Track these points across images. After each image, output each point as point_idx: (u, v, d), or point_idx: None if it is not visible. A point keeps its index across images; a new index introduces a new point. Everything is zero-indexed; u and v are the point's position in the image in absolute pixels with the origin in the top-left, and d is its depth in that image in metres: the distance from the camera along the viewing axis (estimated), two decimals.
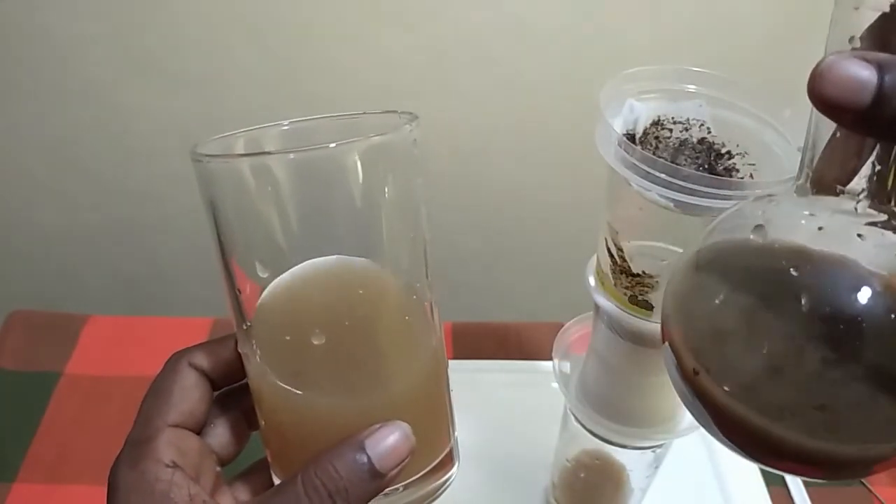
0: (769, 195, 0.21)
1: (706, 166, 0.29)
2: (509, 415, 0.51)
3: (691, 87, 0.30)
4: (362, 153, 0.22)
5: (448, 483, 0.26)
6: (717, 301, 0.20)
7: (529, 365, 0.56)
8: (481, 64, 0.58)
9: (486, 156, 0.64)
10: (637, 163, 0.26)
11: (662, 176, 0.26)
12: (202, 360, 0.26)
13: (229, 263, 0.23)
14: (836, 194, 0.18)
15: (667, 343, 0.21)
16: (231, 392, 0.27)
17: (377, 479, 0.22)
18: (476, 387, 0.53)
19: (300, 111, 0.61)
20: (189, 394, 0.25)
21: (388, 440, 0.22)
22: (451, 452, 0.27)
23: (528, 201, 0.67)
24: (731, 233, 0.21)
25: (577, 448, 0.41)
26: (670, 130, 0.30)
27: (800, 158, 0.20)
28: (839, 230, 0.18)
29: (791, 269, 0.18)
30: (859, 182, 0.18)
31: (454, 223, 0.69)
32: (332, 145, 0.21)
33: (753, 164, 0.29)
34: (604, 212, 0.31)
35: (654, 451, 0.38)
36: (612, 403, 0.35)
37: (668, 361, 0.21)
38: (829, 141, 0.18)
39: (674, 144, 0.30)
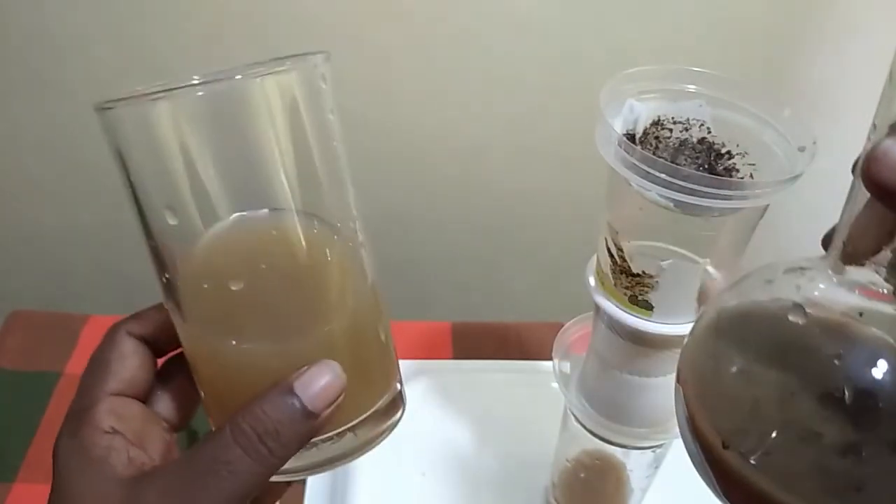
0: (801, 267, 0.20)
1: (706, 166, 0.29)
2: (509, 415, 0.51)
3: (691, 87, 0.30)
4: (268, 87, 0.21)
5: (391, 428, 0.26)
6: (753, 379, 0.20)
7: (529, 365, 0.56)
8: (481, 64, 0.58)
9: (486, 156, 0.64)
10: (637, 163, 0.26)
11: (662, 176, 0.26)
12: (139, 327, 0.25)
13: (144, 215, 0.22)
14: (863, 265, 0.19)
15: (685, 409, 0.21)
16: (176, 358, 0.27)
17: (310, 419, 0.22)
18: (476, 387, 0.53)
19: None
20: (128, 362, 0.25)
21: (317, 380, 0.22)
22: (394, 400, 0.26)
23: (528, 201, 0.67)
24: (762, 305, 0.21)
25: (577, 448, 0.41)
26: (670, 130, 0.30)
27: (835, 234, 0.19)
28: (879, 317, 0.18)
29: (834, 358, 0.18)
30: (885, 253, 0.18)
31: (454, 223, 0.69)
32: (238, 77, 0.20)
33: (753, 164, 0.29)
34: (604, 212, 0.31)
35: (654, 451, 0.38)
36: (612, 403, 0.35)
37: (685, 428, 0.21)
38: (861, 213, 0.18)
39: (674, 144, 0.30)
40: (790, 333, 0.19)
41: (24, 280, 0.73)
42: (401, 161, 0.64)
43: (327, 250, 0.24)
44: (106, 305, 0.70)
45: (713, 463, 0.20)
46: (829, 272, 0.19)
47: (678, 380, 0.22)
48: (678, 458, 0.39)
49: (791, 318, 0.19)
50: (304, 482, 0.47)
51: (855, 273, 0.19)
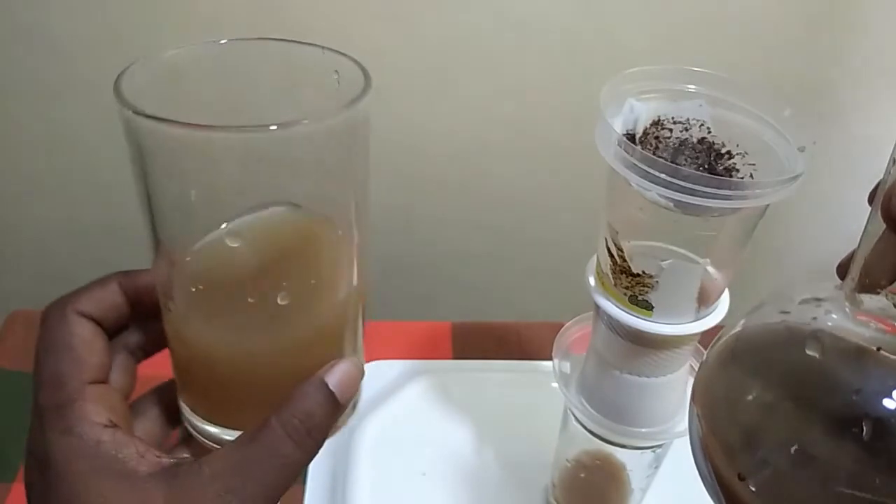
0: (817, 298, 0.20)
1: (706, 166, 0.29)
2: (509, 414, 0.51)
3: (691, 87, 0.30)
4: (307, 137, 0.22)
5: (355, 405, 0.27)
6: (771, 411, 0.19)
7: (529, 365, 0.56)
8: (481, 64, 0.58)
9: (487, 156, 0.64)
10: (637, 163, 0.26)
11: (662, 176, 0.26)
12: (90, 306, 0.24)
13: (154, 214, 0.23)
14: (878, 293, 0.19)
15: (699, 432, 0.21)
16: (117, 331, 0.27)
17: (339, 409, 0.24)
18: (476, 386, 0.53)
19: (297, 112, 0.61)
20: (94, 346, 0.24)
21: (346, 374, 0.24)
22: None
23: (528, 201, 0.67)
24: (779, 336, 0.21)
25: (576, 448, 0.41)
26: (670, 130, 0.30)
27: (851, 264, 0.19)
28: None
29: (853, 392, 0.18)
30: None
31: (454, 223, 0.69)
32: (274, 128, 0.20)
33: (753, 164, 0.29)
34: (604, 212, 0.31)
35: (653, 451, 0.38)
36: (611, 403, 0.35)
37: (697, 450, 0.21)
38: (878, 243, 0.18)
39: (674, 144, 0.30)
40: (808, 366, 0.19)
41: (25, 280, 0.73)
42: (400, 161, 0.64)
43: (330, 249, 0.25)
44: None
45: (727, 492, 0.19)
46: (846, 304, 0.19)
47: (693, 399, 0.22)
48: (678, 458, 0.39)
49: (809, 350, 0.19)
50: (304, 481, 0.47)
51: (870, 303, 0.19)
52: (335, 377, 0.24)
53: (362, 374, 0.25)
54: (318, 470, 0.48)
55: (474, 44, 0.57)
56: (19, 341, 0.57)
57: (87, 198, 0.67)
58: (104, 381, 0.24)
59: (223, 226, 0.23)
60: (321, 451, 0.50)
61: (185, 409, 0.27)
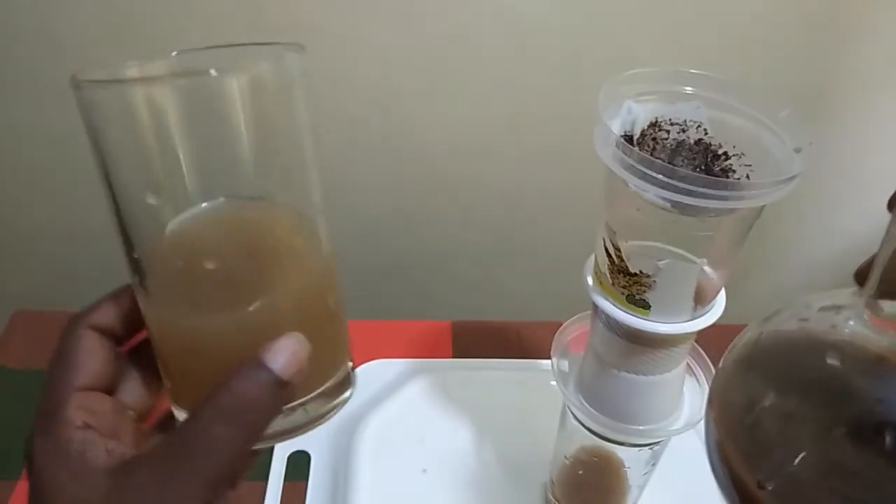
0: (836, 305, 0.20)
1: (703, 167, 0.30)
2: (508, 412, 0.52)
3: (689, 89, 0.31)
4: (239, 80, 0.22)
5: (340, 406, 0.27)
6: (792, 419, 0.19)
7: (528, 363, 0.56)
8: (480, 65, 0.58)
9: (486, 156, 0.64)
10: (635, 164, 0.27)
11: (660, 177, 0.26)
12: (101, 318, 0.26)
13: (115, 194, 0.23)
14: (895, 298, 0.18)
15: (716, 438, 0.21)
16: (139, 345, 0.27)
17: (283, 387, 0.23)
18: (476, 385, 0.54)
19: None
20: (94, 355, 0.25)
21: (285, 349, 0.23)
22: (346, 378, 0.27)
23: (527, 201, 0.67)
24: (798, 343, 0.20)
25: (575, 445, 0.41)
26: (667, 132, 0.30)
27: (871, 271, 0.19)
28: None
29: (875, 400, 0.18)
30: None
31: (454, 222, 0.69)
32: (213, 72, 0.21)
33: (750, 166, 0.30)
34: (602, 212, 0.31)
35: (651, 449, 0.38)
36: (609, 401, 0.35)
37: (714, 456, 0.21)
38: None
39: (671, 146, 0.30)
40: (829, 374, 0.19)
41: (28, 280, 0.74)
42: (401, 161, 0.65)
43: (286, 232, 0.25)
44: None
45: (746, 499, 0.19)
46: (865, 311, 0.19)
47: (709, 405, 0.21)
48: (676, 455, 0.39)
49: (829, 358, 0.19)
50: (306, 478, 0.48)
51: (890, 309, 0.18)
52: (273, 351, 0.23)
53: (306, 346, 0.24)
54: (319, 467, 0.49)
55: (474, 45, 0.57)
56: (22, 341, 0.57)
57: (90, 198, 0.67)
58: (101, 388, 0.25)
59: (187, 212, 0.23)
60: (322, 449, 0.51)
61: (169, 397, 0.27)
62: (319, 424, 0.26)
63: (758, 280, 0.72)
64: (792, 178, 0.26)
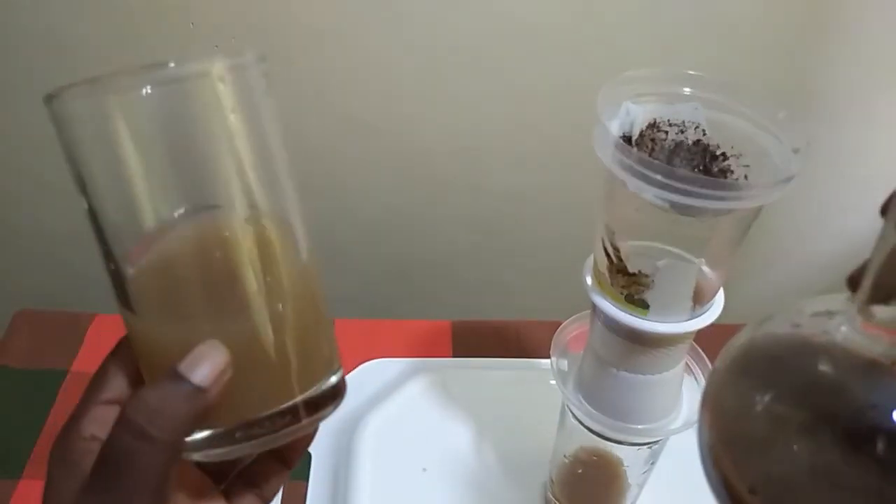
0: (828, 311, 0.20)
1: (701, 168, 0.30)
2: (508, 411, 0.52)
3: (687, 90, 0.31)
4: (209, 80, 0.22)
5: (327, 414, 0.26)
6: (783, 425, 0.19)
7: (528, 363, 0.56)
8: (480, 66, 0.58)
9: (486, 157, 0.64)
10: (633, 164, 0.27)
11: (658, 177, 0.26)
12: None
13: (92, 204, 0.24)
14: (890, 304, 0.18)
15: (708, 442, 0.21)
16: None
17: (199, 393, 0.22)
18: (476, 384, 0.54)
19: (297, 113, 0.61)
20: (125, 371, 0.25)
21: (200, 356, 0.23)
22: (335, 386, 0.27)
23: (527, 202, 0.68)
24: (790, 348, 0.20)
25: (574, 444, 0.41)
26: (666, 133, 0.30)
27: (863, 277, 0.19)
28: None
29: (867, 407, 0.18)
30: None
31: (454, 223, 0.69)
32: (169, 68, 0.22)
33: (748, 166, 0.30)
34: (600, 212, 0.31)
35: (650, 448, 0.38)
36: (608, 400, 0.36)
37: (707, 458, 0.21)
38: (889, 256, 0.18)
39: (669, 146, 0.30)
40: (821, 380, 0.19)
41: (30, 279, 0.74)
42: (401, 161, 0.65)
43: (256, 237, 0.25)
44: (111, 304, 0.71)
45: (737, 503, 0.20)
46: (858, 316, 0.19)
47: (702, 408, 0.21)
48: (674, 454, 0.39)
49: (821, 364, 0.19)
50: (306, 477, 0.48)
51: (883, 315, 0.18)
52: (187, 360, 0.23)
53: (224, 354, 0.23)
54: (319, 466, 0.49)
55: (474, 46, 0.57)
56: (24, 341, 0.57)
57: None
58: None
59: (164, 223, 0.24)
60: (323, 448, 0.51)
61: None
62: (306, 431, 0.26)
63: (756, 280, 0.72)
64: (790, 178, 0.26)
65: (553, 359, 0.38)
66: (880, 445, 0.17)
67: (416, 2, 0.55)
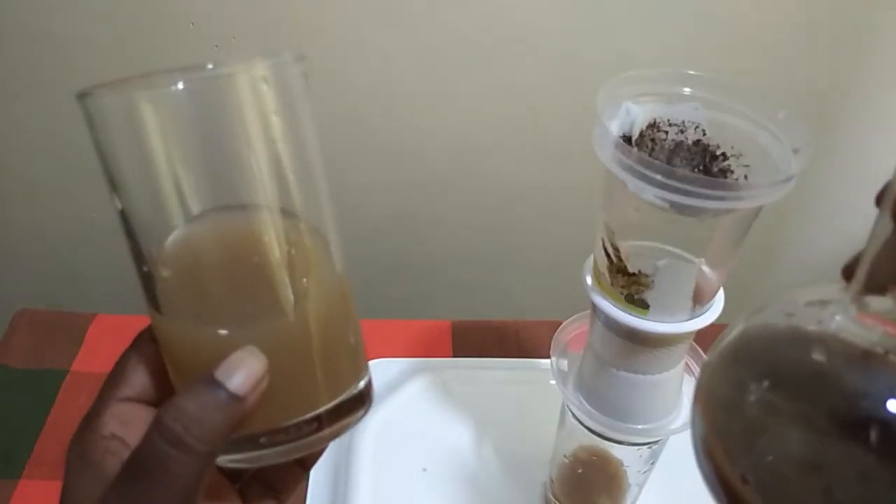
0: (822, 300, 0.20)
1: (701, 168, 0.30)
2: (508, 411, 0.52)
3: (687, 90, 0.31)
4: (241, 83, 0.22)
5: (354, 423, 0.26)
6: (777, 415, 0.19)
7: (528, 362, 0.56)
8: (480, 66, 0.59)
9: (486, 156, 0.64)
10: (633, 164, 0.27)
11: (658, 177, 0.26)
12: None
13: (122, 209, 0.23)
14: (885, 294, 0.18)
15: (701, 433, 0.21)
16: None
17: (236, 401, 0.22)
18: (475, 384, 0.54)
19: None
20: (144, 367, 0.25)
21: (238, 364, 0.22)
22: (360, 394, 0.26)
23: (527, 202, 0.68)
24: (784, 338, 0.20)
25: (574, 444, 0.41)
26: (666, 133, 0.30)
27: (858, 267, 0.19)
28: None
29: (861, 396, 0.18)
30: None
31: (454, 223, 0.69)
32: (214, 72, 0.21)
33: (748, 166, 0.30)
34: (600, 212, 0.31)
35: (650, 448, 0.38)
36: (608, 400, 0.36)
37: (700, 450, 0.21)
38: (884, 246, 0.18)
39: (669, 146, 0.30)
40: (814, 369, 0.19)
41: (30, 279, 0.74)
42: (402, 161, 0.65)
43: (294, 242, 0.24)
44: (111, 304, 0.71)
45: (730, 494, 0.19)
46: (852, 306, 0.19)
47: (695, 400, 0.21)
48: (674, 453, 0.39)
49: (814, 353, 0.19)
50: (306, 477, 0.48)
51: (877, 305, 0.18)
52: (224, 367, 0.22)
53: (262, 362, 0.22)
54: (320, 465, 0.49)
55: (474, 47, 0.57)
56: (25, 340, 0.57)
57: (92, 198, 0.67)
58: (146, 399, 0.25)
59: (196, 224, 0.23)
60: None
61: None
62: (329, 441, 0.25)
63: (757, 280, 0.72)
64: (790, 178, 0.26)
65: (553, 359, 0.38)
66: (873, 434, 0.17)
67: (416, 2, 0.55)
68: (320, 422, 0.25)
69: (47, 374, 0.55)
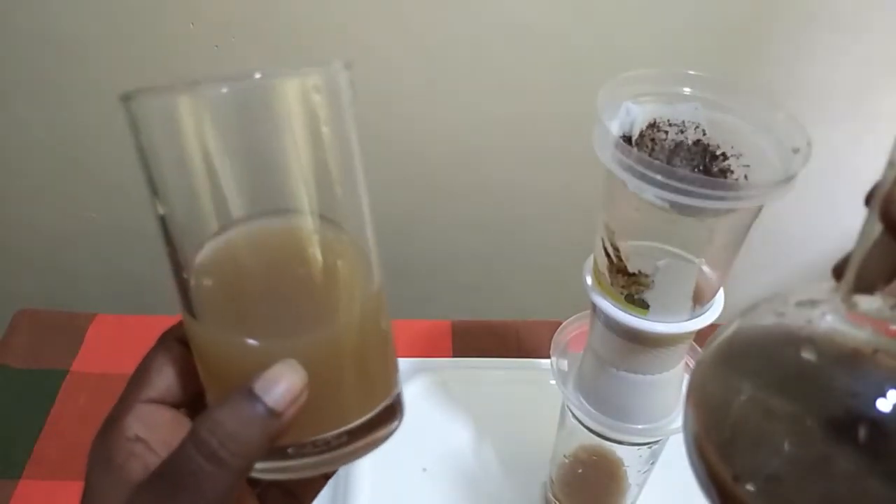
0: (812, 300, 0.20)
1: (701, 168, 0.30)
2: (508, 411, 0.52)
3: (687, 90, 0.31)
4: (290, 89, 0.22)
5: (388, 435, 0.26)
6: (767, 413, 0.19)
7: (528, 362, 0.56)
8: (480, 67, 0.59)
9: (486, 158, 0.64)
10: (633, 164, 0.27)
11: (658, 177, 0.26)
12: (182, 330, 0.25)
13: (162, 209, 0.23)
14: (874, 293, 0.19)
15: (693, 432, 0.21)
16: None
17: (274, 418, 0.21)
18: (476, 384, 0.54)
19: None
20: (168, 369, 0.24)
21: (278, 379, 0.22)
22: (393, 406, 0.26)
23: (527, 202, 0.68)
24: (774, 337, 0.20)
25: (574, 444, 0.41)
26: (666, 133, 0.31)
27: (847, 267, 0.19)
28: (893, 353, 0.18)
29: (850, 395, 0.18)
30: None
31: (455, 223, 0.69)
32: (263, 77, 0.21)
33: (748, 166, 0.30)
34: (601, 212, 0.32)
35: (650, 448, 0.38)
36: (608, 400, 0.36)
37: (692, 450, 0.21)
38: (873, 246, 0.18)
39: (669, 146, 0.30)
40: (804, 368, 0.19)
41: (30, 279, 0.74)
42: (402, 162, 0.65)
43: (336, 254, 0.24)
44: (111, 304, 0.71)
45: (722, 493, 0.20)
46: (842, 306, 0.19)
47: (687, 399, 0.22)
48: (674, 453, 0.39)
49: (804, 352, 0.19)
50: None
51: (866, 305, 0.19)
52: (263, 380, 0.21)
53: (303, 378, 0.22)
54: None
55: (474, 47, 0.57)
56: (25, 340, 0.57)
57: (93, 198, 0.67)
58: (170, 401, 0.25)
59: (236, 230, 0.23)
60: None
61: None
62: (364, 454, 0.25)
63: (756, 280, 0.72)
64: (790, 178, 0.27)
65: (553, 359, 0.38)
66: (862, 433, 0.17)
67: (416, 2, 0.55)
68: (351, 435, 0.24)
69: (47, 374, 0.55)
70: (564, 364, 0.39)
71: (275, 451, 0.23)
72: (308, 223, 0.23)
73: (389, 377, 0.26)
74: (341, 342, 0.24)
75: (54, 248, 0.71)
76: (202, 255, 0.23)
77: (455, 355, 0.58)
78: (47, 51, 0.58)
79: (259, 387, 0.21)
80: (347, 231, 0.24)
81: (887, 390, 0.18)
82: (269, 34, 0.57)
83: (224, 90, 0.21)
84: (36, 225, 0.70)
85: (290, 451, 0.23)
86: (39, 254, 0.72)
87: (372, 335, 0.25)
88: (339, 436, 0.24)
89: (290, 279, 0.23)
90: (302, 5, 0.55)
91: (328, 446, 0.24)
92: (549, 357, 0.38)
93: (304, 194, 0.23)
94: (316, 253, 0.23)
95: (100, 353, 0.57)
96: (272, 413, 0.21)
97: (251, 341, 0.23)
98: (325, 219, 0.23)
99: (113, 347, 0.57)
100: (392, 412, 0.26)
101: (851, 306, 0.19)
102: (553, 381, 0.38)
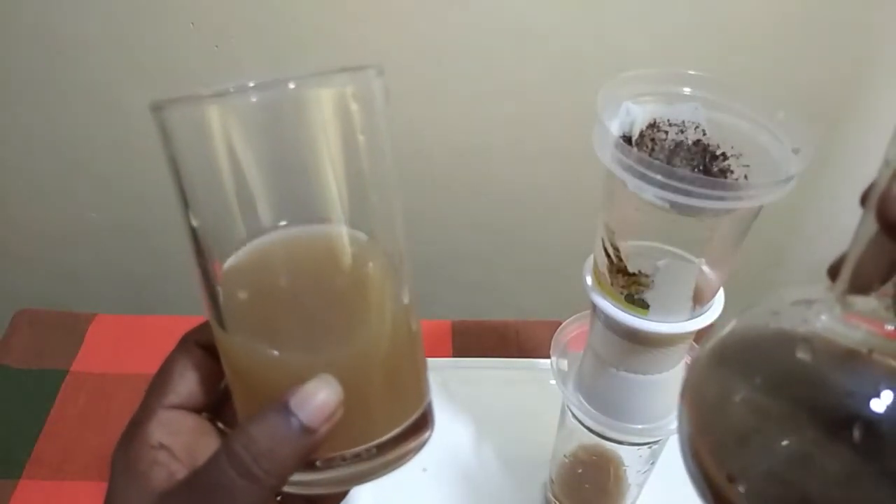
0: (807, 300, 0.20)
1: (701, 168, 0.30)
2: (508, 411, 0.52)
3: (687, 90, 0.31)
4: (324, 97, 0.21)
5: (418, 448, 0.25)
6: (762, 413, 0.19)
7: (528, 362, 0.56)
8: (481, 66, 0.59)
9: (486, 156, 0.64)
10: (633, 164, 0.27)
11: (658, 177, 0.26)
12: (209, 334, 0.25)
13: (193, 224, 0.22)
14: (870, 294, 0.18)
15: (688, 432, 0.21)
16: None
17: (308, 435, 0.21)
18: (476, 384, 0.54)
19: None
20: (190, 374, 0.24)
21: (314, 395, 0.21)
22: (423, 418, 0.26)
23: (527, 202, 0.68)
24: (769, 337, 0.20)
25: (574, 444, 0.41)
26: (666, 133, 0.30)
27: (843, 267, 0.19)
28: (888, 353, 0.18)
29: (845, 395, 0.18)
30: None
31: (454, 223, 0.69)
32: (295, 86, 0.20)
33: (748, 166, 0.30)
34: (601, 212, 0.32)
35: (650, 447, 0.38)
36: (608, 400, 0.36)
37: (686, 449, 0.21)
38: (869, 246, 0.18)
39: (669, 146, 0.30)
40: (798, 368, 0.19)
41: (30, 279, 0.74)
42: (401, 161, 0.65)
43: (370, 265, 0.23)
44: (111, 304, 0.71)
45: (717, 493, 0.20)
46: (837, 306, 0.19)
47: (681, 399, 0.22)
48: (674, 453, 0.39)
49: (799, 352, 0.19)
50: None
51: (861, 305, 0.18)
52: (299, 396, 0.21)
53: (339, 395, 0.22)
54: None
55: (474, 47, 0.57)
56: (25, 340, 0.57)
57: (93, 198, 0.67)
58: (192, 406, 0.25)
59: (264, 238, 0.22)
60: None
61: None
62: (395, 468, 0.25)
63: (757, 280, 0.72)
64: (790, 178, 0.27)
65: (553, 359, 0.38)
66: (857, 432, 0.17)
67: (415, 1, 0.55)
68: (382, 448, 0.24)
69: (47, 374, 0.55)
70: (564, 364, 0.39)
71: (307, 467, 0.23)
72: (342, 233, 0.22)
73: (421, 388, 0.26)
74: (375, 356, 0.23)
75: (54, 248, 0.71)
76: (233, 266, 0.22)
77: (455, 355, 0.58)
78: (47, 51, 0.58)
79: (295, 403, 0.21)
80: (380, 240, 0.24)
81: (882, 390, 0.17)
82: (269, 34, 0.57)
83: (256, 99, 0.20)
84: (36, 225, 0.70)
85: (318, 463, 0.23)
86: (39, 254, 0.72)
87: (404, 347, 0.25)
88: (370, 449, 0.24)
89: (323, 291, 0.23)
90: (302, 5, 0.55)
91: (358, 459, 0.24)
92: (549, 357, 0.38)
93: (338, 203, 0.22)
94: (352, 266, 0.23)
95: (100, 353, 0.57)
96: (307, 430, 0.21)
97: (284, 353, 0.22)
98: (358, 228, 0.23)
99: (113, 347, 0.57)
100: (423, 422, 0.26)
101: (847, 306, 0.19)
102: (553, 381, 0.38)
